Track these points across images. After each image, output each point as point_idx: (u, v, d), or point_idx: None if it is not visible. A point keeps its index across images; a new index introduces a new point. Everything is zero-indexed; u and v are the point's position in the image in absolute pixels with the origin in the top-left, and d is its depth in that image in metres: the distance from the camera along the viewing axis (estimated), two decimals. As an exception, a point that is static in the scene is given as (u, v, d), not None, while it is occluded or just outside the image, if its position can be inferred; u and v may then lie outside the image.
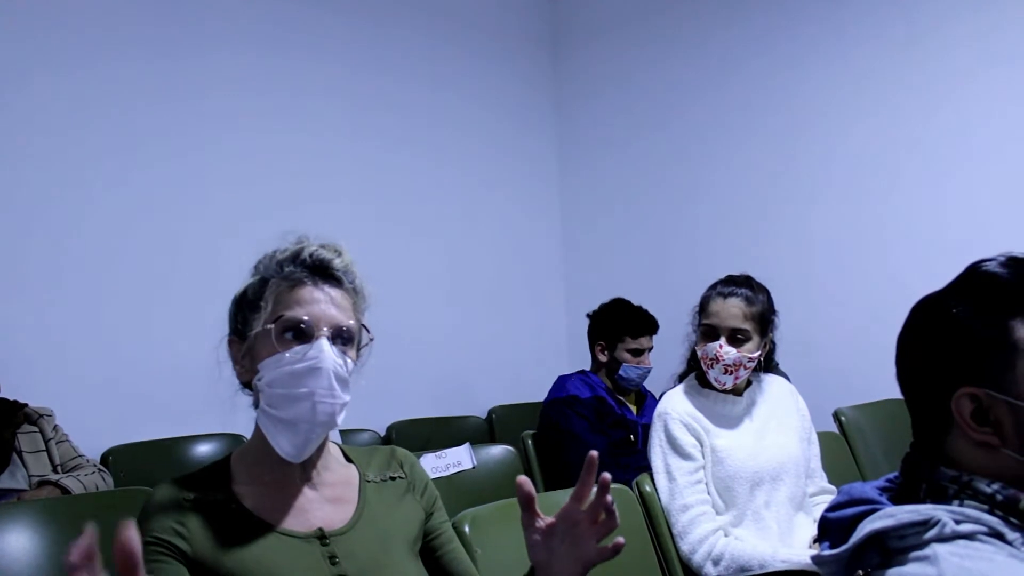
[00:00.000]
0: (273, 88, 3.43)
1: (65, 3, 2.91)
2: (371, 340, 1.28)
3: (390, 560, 1.23)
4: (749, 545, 2.01)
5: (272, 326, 1.19)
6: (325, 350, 1.18)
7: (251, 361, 1.23)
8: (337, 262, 1.25)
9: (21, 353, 2.68)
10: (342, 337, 1.22)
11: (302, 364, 1.17)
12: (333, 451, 1.33)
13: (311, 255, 1.23)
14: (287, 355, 1.17)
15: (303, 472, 1.26)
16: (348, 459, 1.35)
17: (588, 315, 3.21)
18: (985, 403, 0.90)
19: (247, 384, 1.26)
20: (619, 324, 3.08)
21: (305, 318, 1.19)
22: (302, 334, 1.19)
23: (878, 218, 3.33)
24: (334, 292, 1.24)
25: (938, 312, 0.96)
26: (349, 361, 1.22)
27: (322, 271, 1.24)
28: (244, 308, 1.25)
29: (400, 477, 1.36)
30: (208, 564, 1.13)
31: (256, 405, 1.25)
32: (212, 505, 1.18)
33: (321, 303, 1.21)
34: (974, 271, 0.96)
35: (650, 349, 3.09)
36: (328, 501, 1.26)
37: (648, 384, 3.17)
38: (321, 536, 1.20)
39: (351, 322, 1.23)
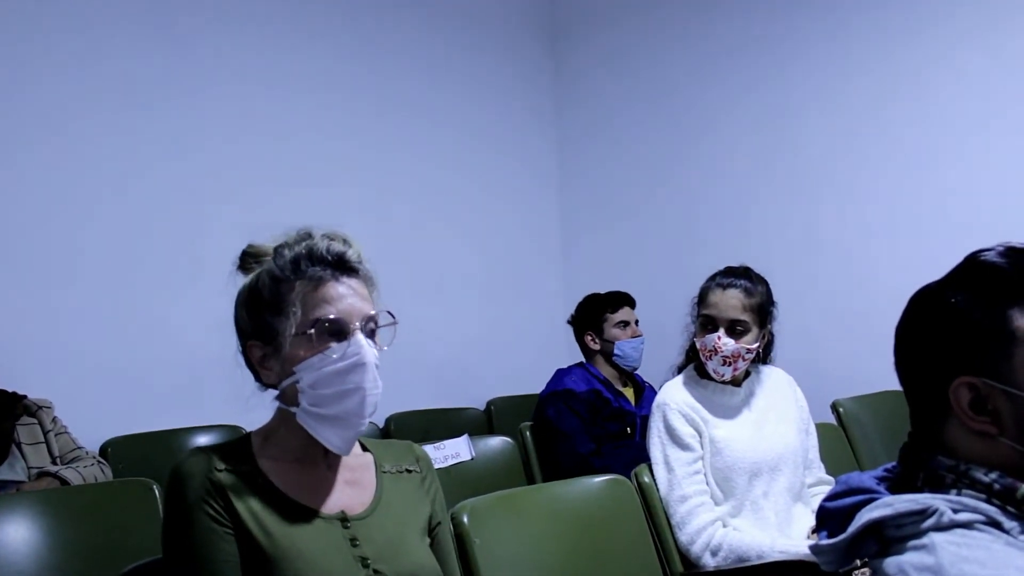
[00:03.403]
0: (272, 85, 3.42)
1: (69, 2, 2.90)
2: (395, 323, 1.29)
3: (406, 546, 1.27)
4: (747, 535, 2.02)
5: (311, 331, 1.20)
6: (364, 345, 1.21)
7: (282, 364, 1.24)
8: (350, 253, 1.26)
9: (20, 345, 2.68)
10: (370, 326, 1.26)
11: (345, 362, 1.20)
12: None
13: (328, 249, 1.24)
14: (333, 356, 1.20)
15: (327, 458, 1.29)
16: (364, 448, 1.38)
17: (568, 321, 3.25)
18: (983, 392, 0.90)
19: (272, 385, 1.28)
20: (596, 307, 3.17)
21: (340, 317, 1.22)
22: (337, 332, 1.22)
23: (877, 209, 3.32)
24: (354, 283, 1.26)
25: (937, 302, 0.96)
26: (378, 349, 1.26)
27: (340, 264, 1.25)
28: (263, 311, 1.25)
29: (415, 471, 1.39)
30: (238, 530, 1.17)
31: (287, 403, 1.26)
32: (240, 476, 1.21)
33: (348, 298, 1.24)
34: (973, 261, 0.96)
35: (636, 321, 3.15)
36: (347, 483, 1.29)
37: (647, 376, 3.18)
38: (343, 519, 1.24)
39: (374, 311, 1.26)
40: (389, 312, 1.29)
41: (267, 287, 1.25)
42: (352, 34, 3.73)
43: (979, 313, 0.91)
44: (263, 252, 1.29)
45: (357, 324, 1.22)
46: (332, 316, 1.21)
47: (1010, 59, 3.01)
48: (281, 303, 1.23)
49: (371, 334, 1.25)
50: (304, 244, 1.25)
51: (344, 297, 1.23)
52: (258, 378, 1.29)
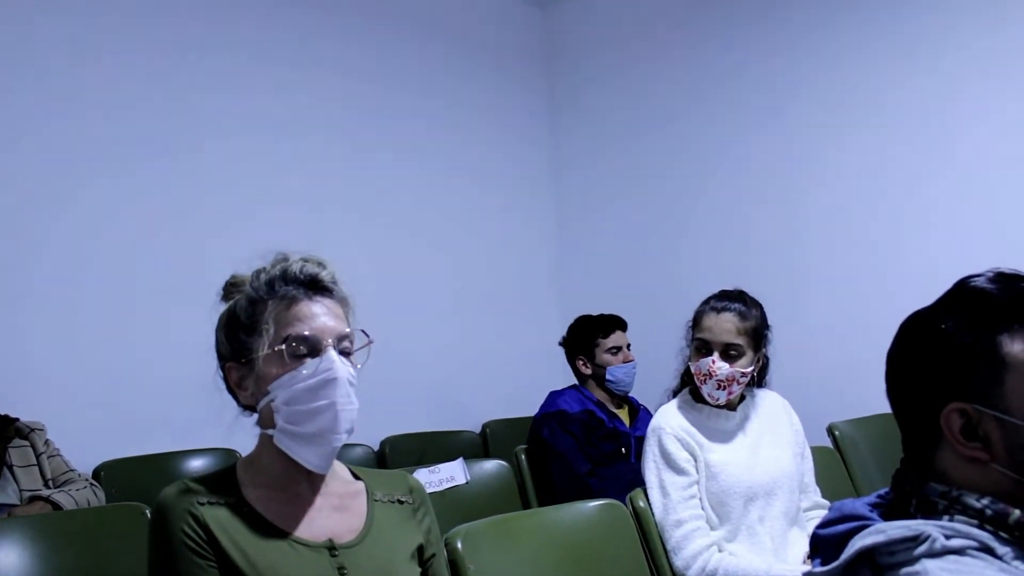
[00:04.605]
0: (265, 109, 3.43)
1: (68, 10, 2.92)
2: (370, 343, 1.31)
3: (396, 575, 1.26)
4: (743, 560, 2.01)
5: (283, 347, 1.22)
6: (336, 360, 1.22)
7: (258, 384, 1.25)
8: (324, 274, 1.29)
9: (12, 367, 2.67)
10: (344, 345, 1.27)
11: (317, 378, 1.21)
12: (338, 468, 1.36)
13: (301, 270, 1.26)
14: (303, 371, 1.21)
15: (310, 482, 1.29)
16: (356, 477, 1.39)
17: (560, 343, 3.24)
18: (974, 418, 0.91)
19: (251, 407, 1.28)
20: (588, 331, 3.14)
21: (311, 333, 1.23)
22: (310, 349, 1.23)
23: (873, 233, 3.34)
24: (328, 302, 1.28)
25: (927, 328, 0.97)
26: (353, 367, 1.27)
27: (313, 284, 1.27)
28: (239, 332, 1.27)
29: (408, 502, 1.39)
30: (222, 562, 1.16)
31: (264, 425, 1.27)
32: (225, 507, 1.21)
33: (320, 316, 1.25)
34: (963, 287, 0.96)
35: (628, 345, 3.13)
36: (336, 510, 1.29)
37: (642, 398, 3.18)
38: (331, 547, 1.23)
39: (348, 329, 1.28)
40: (364, 332, 1.30)
41: (243, 309, 1.27)
42: (352, 55, 3.76)
43: (970, 339, 0.91)
44: (244, 281, 1.32)
45: (329, 341, 1.24)
46: (305, 333, 1.23)
47: (1011, 84, 3.03)
48: (255, 322, 1.25)
49: (346, 353, 1.27)
50: (279, 267, 1.28)
51: (317, 316, 1.25)
52: (238, 401, 1.30)
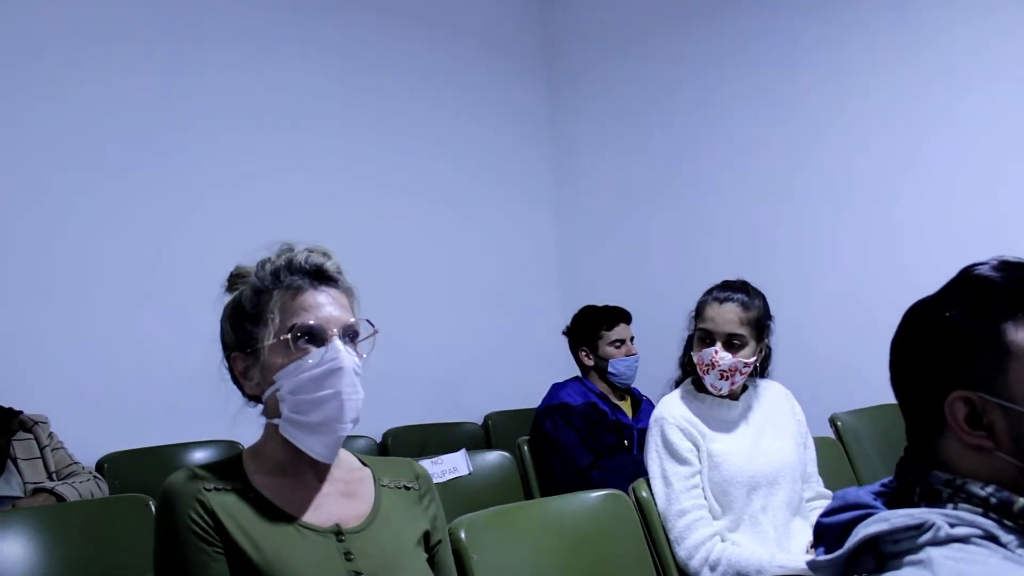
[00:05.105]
0: (267, 90, 3.44)
1: (67, 9, 2.91)
2: (375, 333, 1.31)
3: (402, 562, 1.27)
4: (746, 550, 2.01)
5: (288, 336, 1.22)
6: (341, 350, 1.23)
7: (263, 373, 1.25)
8: (329, 264, 1.29)
9: (16, 360, 2.68)
10: (350, 335, 1.27)
11: (322, 367, 1.22)
12: (343, 455, 1.37)
13: (306, 260, 1.26)
14: (309, 361, 1.21)
15: (316, 469, 1.29)
16: (363, 464, 1.39)
17: (564, 332, 3.23)
18: (978, 406, 0.90)
19: (256, 397, 1.28)
20: (592, 323, 3.13)
21: (317, 323, 1.24)
22: (315, 338, 1.24)
23: (875, 222, 3.33)
24: (334, 292, 1.28)
25: (931, 316, 0.96)
26: (359, 357, 1.27)
27: (318, 274, 1.28)
28: (245, 322, 1.27)
29: (414, 488, 1.39)
30: (229, 548, 1.17)
31: (270, 415, 1.27)
32: (231, 493, 1.22)
33: (326, 306, 1.26)
34: (967, 275, 0.96)
35: (632, 338, 3.13)
36: (342, 495, 1.30)
37: (644, 389, 3.18)
38: (338, 532, 1.24)
39: (353, 319, 1.28)
40: (369, 321, 1.31)
41: (249, 299, 1.28)
42: (351, 45, 3.76)
43: (973, 327, 0.91)
44: (249, 272, 1.32)
45: (335, 331, 1.24)
46: (310, 322, 1.23)
47: (1013, 75, 3.02)
48: (261, 312, 1.25)
49: (351, 343, 1.27)
50: (284, 257, 1.28)
51: (322, 306, 1.25)
52: (243, 391, 1.31)
